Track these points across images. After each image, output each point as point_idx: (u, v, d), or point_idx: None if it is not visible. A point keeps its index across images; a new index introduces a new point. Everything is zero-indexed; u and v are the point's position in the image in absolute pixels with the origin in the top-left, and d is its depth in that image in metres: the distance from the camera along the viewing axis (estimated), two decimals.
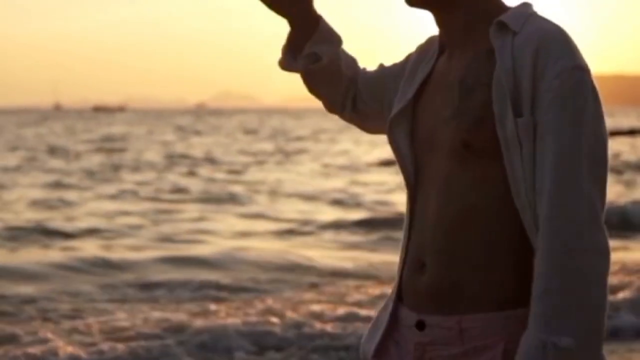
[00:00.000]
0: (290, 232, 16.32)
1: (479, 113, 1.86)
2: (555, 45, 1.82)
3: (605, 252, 1.79)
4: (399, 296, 2.04)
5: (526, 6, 1.93)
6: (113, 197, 22.65)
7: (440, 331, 1.92)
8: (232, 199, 21.94)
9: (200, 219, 18.32)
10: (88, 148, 46.37)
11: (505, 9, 1.94)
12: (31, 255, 13.59)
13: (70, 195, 22.89)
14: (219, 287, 10.86)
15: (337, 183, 26.21)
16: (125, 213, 19.03)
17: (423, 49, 2.11)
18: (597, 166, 1.81)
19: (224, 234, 16.01)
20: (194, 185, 25.64)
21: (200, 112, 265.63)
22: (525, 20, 1.88)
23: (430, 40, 2.10)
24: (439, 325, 1.92)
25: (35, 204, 20.78)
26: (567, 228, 1.78)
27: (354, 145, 50.43)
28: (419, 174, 2.01)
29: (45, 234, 15.87)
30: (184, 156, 39.68)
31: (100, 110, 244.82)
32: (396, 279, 2.06)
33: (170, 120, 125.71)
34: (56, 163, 34.98)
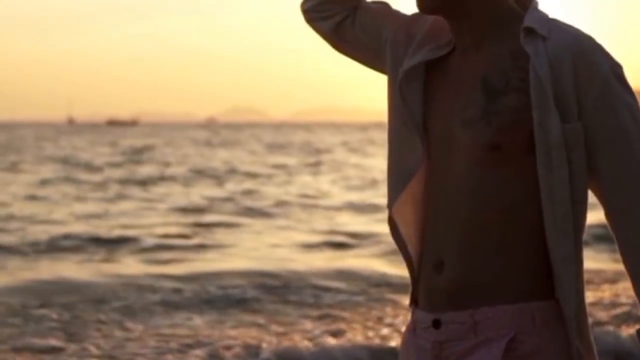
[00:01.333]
0: (340, 244, 15.94)
1: (511, 117, 1.86)
2: (592, 51, 1.86)
3: None
4: (415, 300, 2.05)
5: (537, 9, 1.94)
6: (154, 208, 22.35)
7: (455, 327, 1.93)
8: (274, 211, 21.60)
9: (249, 230, 18.05)
10: (118, 160, 45.92)
11: (517, 12, 1.95)
12: (82, 266, 13.51)
13: (113, 206, 22.76)
14: (277, 298, 10.72)
15: (370, 193, 25.82)
16: (169, 224, 18.79)
17: (438, 28, 2.02)
18: None
19: (274, 246, 15.77)
20: (231, 197, 25.31)
21: (212, 126, 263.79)
22: (548, 25, 1.89)
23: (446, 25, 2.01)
24: (453, 320, 1.93)
25: (81, 215, 20.55)
26: None
27: (377, 160, 49.92)
28: (431, 174, 1.97)
29: (95, 243, 15.76)
30: (213, 168, 39.34)
31: (114, 124, 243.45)
32: (411, 287, 2.06)
33: (187, 133, 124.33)
34: (89, 176, 34.67)
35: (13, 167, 39.54)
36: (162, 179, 33.06)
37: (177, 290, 11.30)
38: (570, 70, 1.84)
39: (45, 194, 25.89)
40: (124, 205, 23.24)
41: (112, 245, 15.68)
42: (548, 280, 1.91)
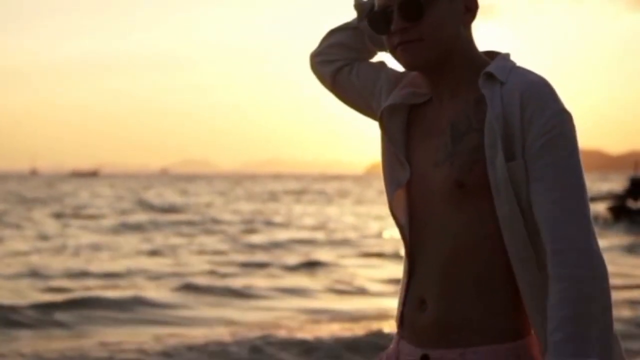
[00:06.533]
0: None
1: (471, 156, 1.86)
2: (541, 93, 1.83)
3: (607, 275, 1.78)
4: (400, 333, 2.01)
5: (506, 59, 1.94)
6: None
7: None
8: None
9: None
10: (152, 212, 44.82)
11: (484, 61, 1.95)
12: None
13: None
14: None
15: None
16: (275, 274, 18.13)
17: (418, 79, 2.04)
18: (587, 195, 1.82)
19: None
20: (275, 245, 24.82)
21: (166, 177, 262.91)
22: (509, 72, 1.88)
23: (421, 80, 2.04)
24: (443, 357, 1.89)
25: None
26: (579, 259, 1.76)
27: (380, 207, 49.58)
28: (411, 216, 1.97)
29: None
30: (253, 219, 38.50)
31: (77, 175, 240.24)
32: (397, 316, 2.02)
33: (169, 183, 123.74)
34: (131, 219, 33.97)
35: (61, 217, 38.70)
36: (208, 230, 32.24)
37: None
38: (518, 110, 1.82)
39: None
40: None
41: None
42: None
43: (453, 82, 1.95)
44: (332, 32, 2.20)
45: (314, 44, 2.25)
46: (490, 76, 1.88)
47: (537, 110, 1.82)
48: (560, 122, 1.82)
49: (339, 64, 2.17)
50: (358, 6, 2.16)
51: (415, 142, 1.99)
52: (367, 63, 2.16)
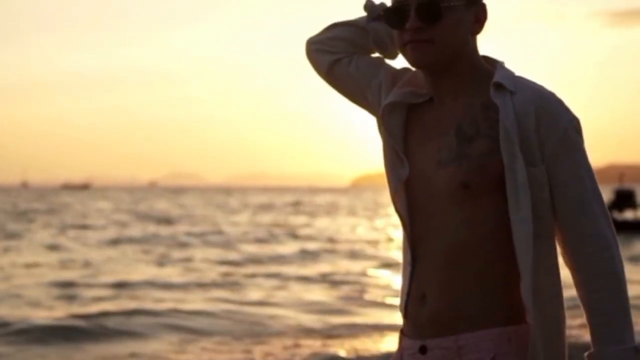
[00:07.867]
0: None
1: (480, 159, 1.93)
2: (554, 104, 1.96)
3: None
4: (404, 330, 2.08)
5: (505, 68, 2.02)
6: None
7: (440, 352, 1.97)
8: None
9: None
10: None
11: (488, 70, 2.03)
12: None
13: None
14: None
15: None
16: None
17: (416, 79, 2.09)
18: None
19: None
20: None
21: (156, 189, 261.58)
22: (515, 82, 1.98)
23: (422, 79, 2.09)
24: (439, 346, 1.97)
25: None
26: (613, 255, 1.94)
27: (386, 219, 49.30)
28: (413, 213, 2.03)
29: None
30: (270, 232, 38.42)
31: (68, 187, 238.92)
32: (401, 308, 2.08)
33: (165, 196, 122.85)
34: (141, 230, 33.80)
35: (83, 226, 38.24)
36: (211, 242, 32.23)
37: None
38: (533, 120, 1.92)
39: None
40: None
41: None
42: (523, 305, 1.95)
43: (456, 85, 2.01)
44: (336, 25, 2.21)
45: (302, 59, 2.24)
46: (500, 86, 1.95)
47: (553, 120, 1.93)
48: (575, 128, 1.97)
49: (339, 56, 2.18)
50: (369, 7, 2.18)
51: (414, 140, 2.03)
52: (367, 57, 2.19)
